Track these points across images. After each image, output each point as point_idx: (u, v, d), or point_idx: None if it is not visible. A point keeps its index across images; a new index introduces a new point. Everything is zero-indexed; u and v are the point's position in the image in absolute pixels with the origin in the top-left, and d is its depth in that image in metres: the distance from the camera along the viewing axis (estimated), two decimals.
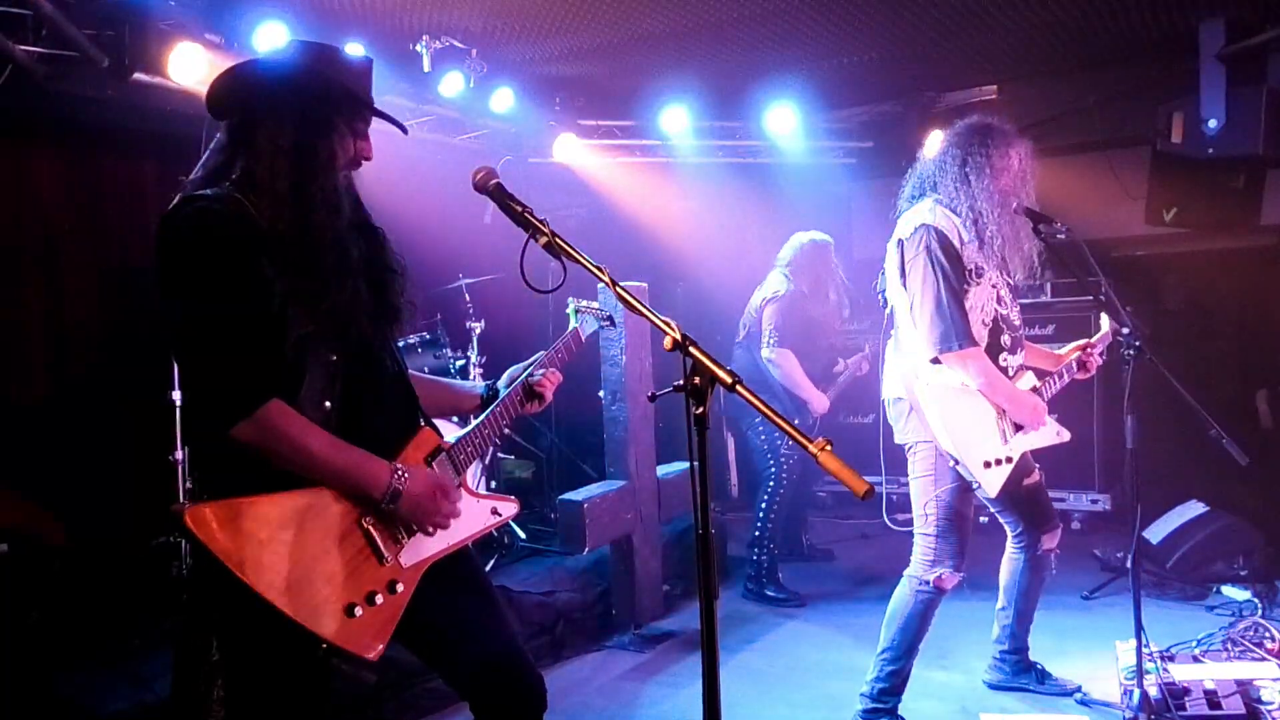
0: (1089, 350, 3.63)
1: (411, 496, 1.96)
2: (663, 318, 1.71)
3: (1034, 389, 3.45)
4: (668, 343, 1.64)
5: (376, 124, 2.12)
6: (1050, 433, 3.48)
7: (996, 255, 3.30)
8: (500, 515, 2.28)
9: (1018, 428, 3.35)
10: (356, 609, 1.90)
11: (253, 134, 1.96)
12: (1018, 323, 3.46)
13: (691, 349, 1.60)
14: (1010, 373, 3.40)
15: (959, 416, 3.26)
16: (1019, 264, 3.40)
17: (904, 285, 3.33)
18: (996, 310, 3.36)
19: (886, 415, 3.52)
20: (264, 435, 1.81)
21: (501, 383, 2.43)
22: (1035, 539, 3.60)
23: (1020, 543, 3.65)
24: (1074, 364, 3.61)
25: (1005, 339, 3.39)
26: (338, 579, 1.90)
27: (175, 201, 1.90)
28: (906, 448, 3.42)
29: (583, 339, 2.61)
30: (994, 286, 3.35)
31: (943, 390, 3.27)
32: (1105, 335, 3.69)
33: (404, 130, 2.15)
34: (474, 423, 2.26)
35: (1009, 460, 3.32)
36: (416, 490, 1.97)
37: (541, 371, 2.40)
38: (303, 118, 1.97)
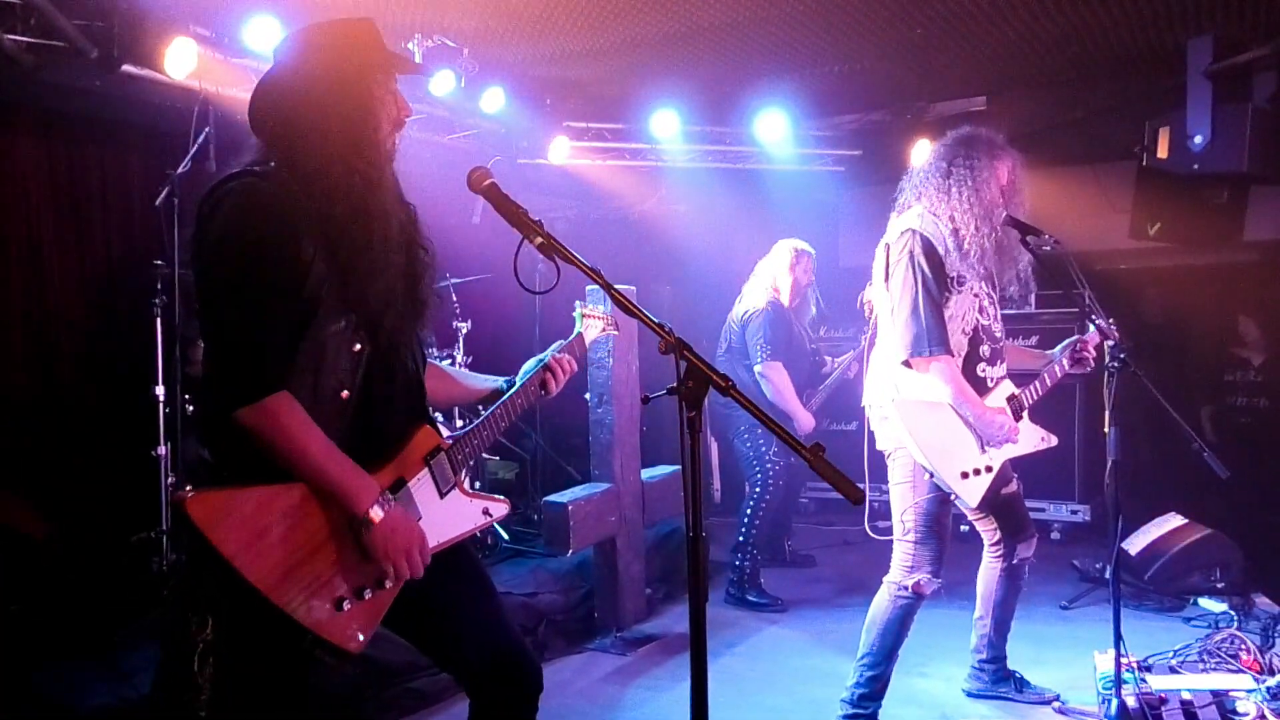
0: (1083, 346, 3.60)
1: (385, 531, 1.92)
2: (657, 321, 1.71)
3: (1011, 397, 3.46)
4: (662, 346, 1.64)
5: None
6: (1034, 439, 3.50)
7: (978, 266, 3.31)
8: (490, 516, 2.28)
9: None
10: (345, 603, 1.92)
11: (297, 125, 1.93)
12: (999, 334, 3.47)
13: (686, 353, 1.60)
14: (989, 384, 3.42)
15: (932, 431, 3.26)
16: (1011, 277, 3.42)
17: (887, 287, 3.35)
18: (978, 320, 3.37)
19: (869, 421, 3.53)
20: (265, 424, 1.81)
21: (518, 378, 2.41)
22: (1011, 548, 3.62)
23: (996, 551, 3.67)
24: (1065, 361, 3.58)
25: (985, 349, 3.40)
26: (328, 573, 1.91)
27: (220, 178, 1.90)
28: (887, 454, 3.43)
29: (586, 344, 2.58)
30: (976, 296, 3.36)
31: (915, 406, 3.28)
32: (1093, 335, 3.66)
33: (428, 72, 2.14)
34: (478, 420, 2.26)
35: (989, 469, 3.34)
36: (390, 526, 1.92)
37: (559, 356, 2.42)
38: (346, 96, 1.95)
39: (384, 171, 2.01)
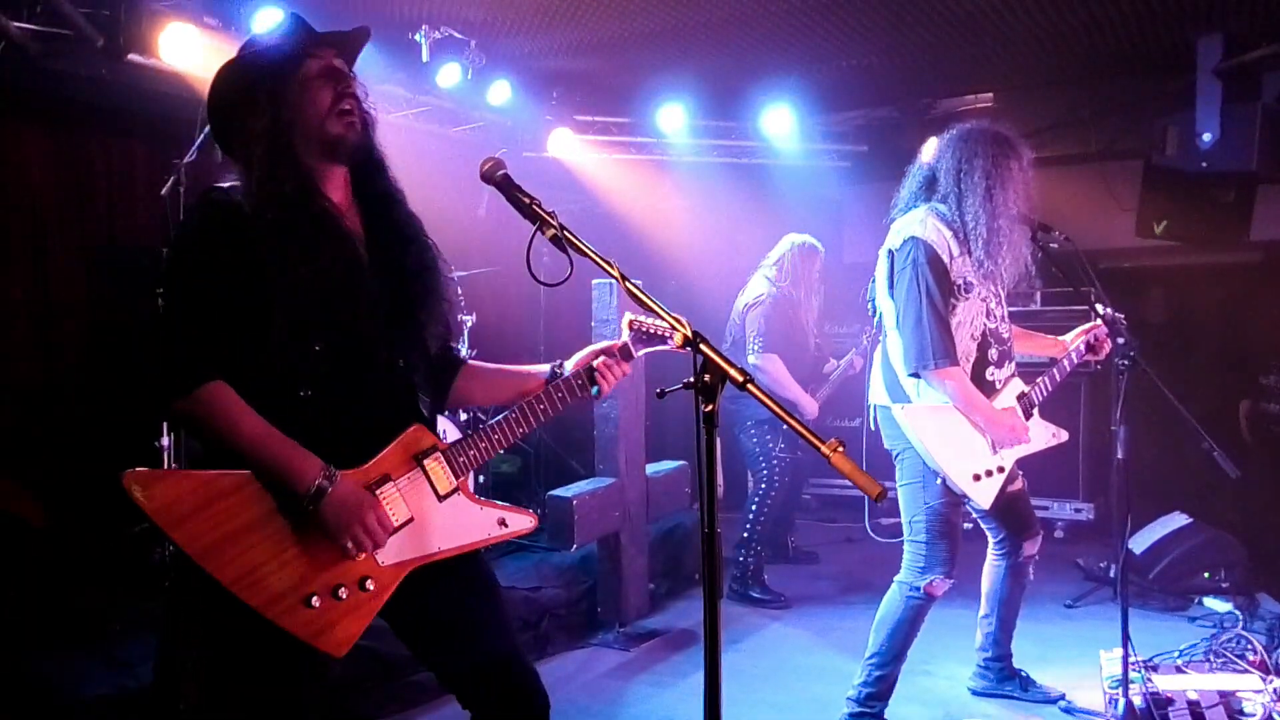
0: (1099, 334, 3.55)
1: (331, 504, 1.86)
2: (673, 315, 1.69)
3: (1021, 395, 3.44)
4: (678, 339, 1.62)
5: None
6: (1045, 436, 3.47)
7: (989, 266, 3.27)
8: (508, 528, 2.14)
9: None
10: (314, 599, 1.86)
11: (233, 140, 2.00)
12: (1006, 334, 3.44)
13: (702, 346, 1.58)
14: (997, 385, 3.39)
15: (942, 436, 3.24)
16: (1016, 272, 3.39)
17: (891, 295, 3.33)
18: (985, 325, 3.34)
19: (873, 420, 3.50)
20: (196, 414, 1.84)
21: (568, 365, 2.27)
22: (1016, 545, 3.60)
23: (1001, 549, 3.65)
24: (1081, 347, 3.56)
25: (993, 353, 3.37)
26: (300, 567, 1.86)
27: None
28: (894, 454, 3.41)
29: (633, 354, 2.29)
30: (983, 300, 3.32)
31: (924, 412, 3.26)
32: (1100, 325, 3.63)
33: (366, 34, 2.13)
34: (488, 423, 2.16)
35: (1000, 470, 3.32)
36: (338, 498, 1.86)
37: (611, 360, 2.23)
38: (255, 103, 1.96)
39: (321, 174, 1.99)
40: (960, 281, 3.25)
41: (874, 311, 3.54)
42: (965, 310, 3.27)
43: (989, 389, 3.35)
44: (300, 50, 1.99)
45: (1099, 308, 3.44)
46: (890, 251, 3.34)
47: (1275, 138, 4.98)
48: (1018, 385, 3.46)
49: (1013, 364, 3.47)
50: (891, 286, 3.32)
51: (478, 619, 2.11)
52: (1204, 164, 5.11)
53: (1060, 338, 3.68)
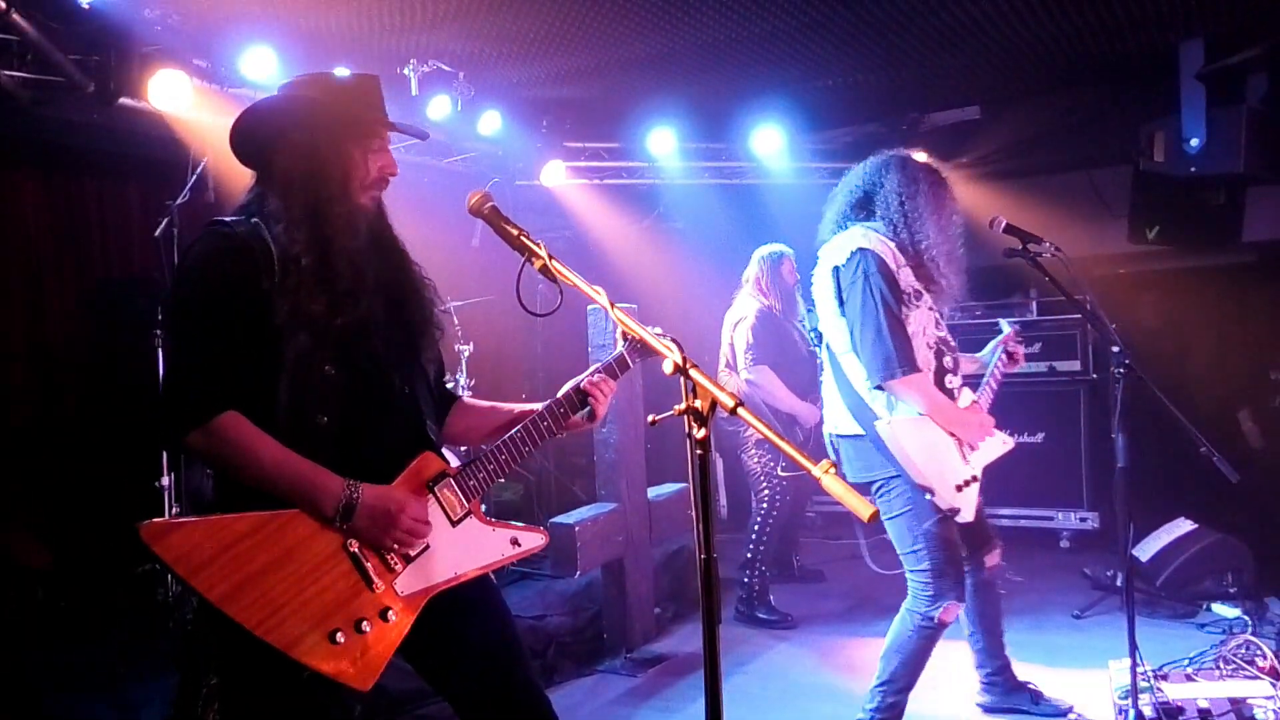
0: (1007, 343, 3.64)
1: (364, 512, 1.90)
2: (665, 341, 1.70)
3: (973, 404, 3.44)
4: (669, 366, 1.62)
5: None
6: (997, 444, 3.47)
7: (945, 282, 3.29)
8: (521, 547, 2.17)
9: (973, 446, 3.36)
10: (339, 635, 1.86)
11: (270, 169, 2.02)
12: (954, 342, 3.46)
13: (693, 371, 1.59)
14: (955, 393, 3.39)
15: (925, 448, 3.21)
16: (961, 285, 3.38)
17: (843, 313, 3.30)
18: (936, 333, 3.33)
19: (832, 452, 3.45)
20: (213, 445, 1.85)
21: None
22: (979, 561, 3.55)
23: (965, 566, 3.60)
24: (1003, 359, 3.62)
25: (948, 360, 3.36)
26: (321, 603, 1.86)
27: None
28: (873, 487, 3.31)
29: (630, 365, 2.40)
30: (931, 309, 3.32)
31: (907, 425, 3.22)
32: (1010, 334, 3.70)
33: (424, 137, 2.22)
34: (494, 444, 2.17)
35: (975, 479, 3.32)
36: (368, 505, 1.90)
37: (599, 376, 2.28)
38: (312, 147, 2.00)
39: (352, 219, 2.01)
40: (909, 290, 3.24)
41: (820, 338, 3.52)
42: (917, 320, 3.25)
43: (949, 396, 3.35)
44: (376, 120, 2.07)
45: (1003, 323, 3.58)
46: (835, 269, 3.30)
47: (1262, 139, 5.02)
48: (969, 394, 3.47)
49: (961, 372, 3.50)
50: (842, 304, 3.29)
51: (488, 641, 2.12)
52: (1192, 168, 5.15)
53: (978, 356, 3.73)
